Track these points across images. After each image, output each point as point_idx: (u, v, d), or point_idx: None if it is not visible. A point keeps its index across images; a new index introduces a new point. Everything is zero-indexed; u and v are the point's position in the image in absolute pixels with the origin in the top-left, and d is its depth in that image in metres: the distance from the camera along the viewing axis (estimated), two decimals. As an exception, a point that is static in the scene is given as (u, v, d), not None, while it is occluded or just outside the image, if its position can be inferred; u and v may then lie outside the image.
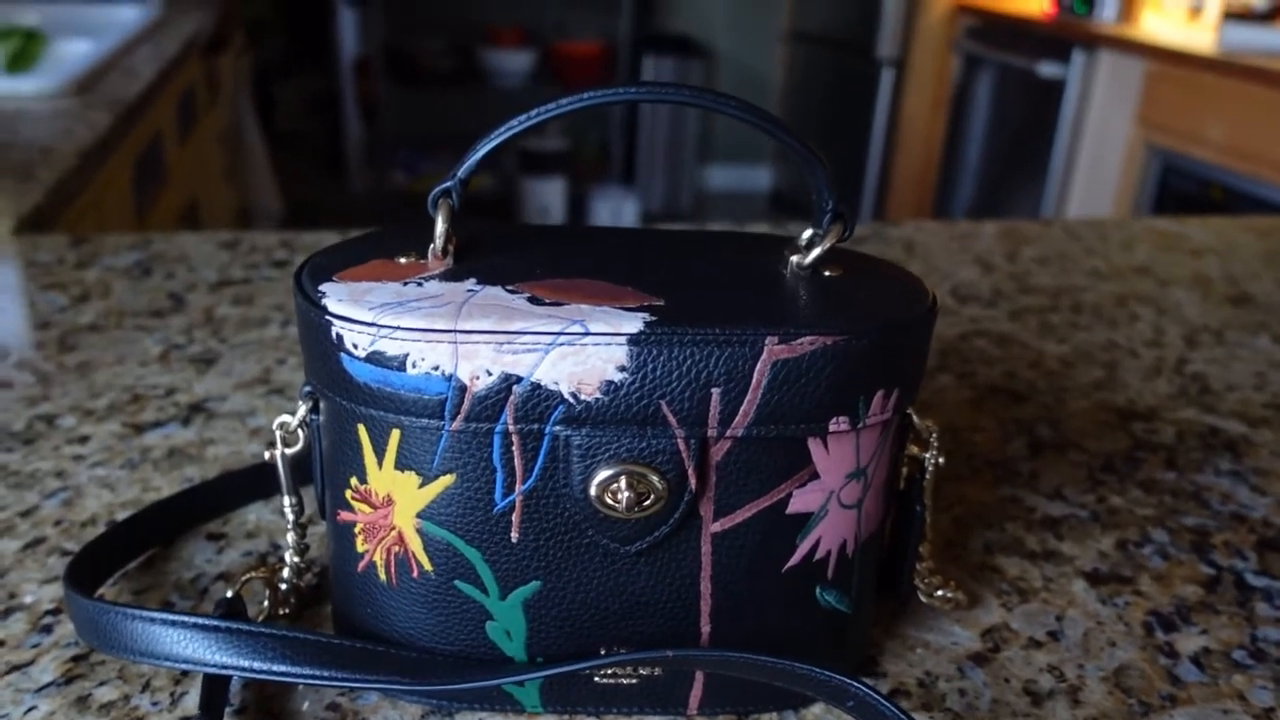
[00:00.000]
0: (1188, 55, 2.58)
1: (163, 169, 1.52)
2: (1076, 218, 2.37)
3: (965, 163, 3.50)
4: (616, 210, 3.90)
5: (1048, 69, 3.01)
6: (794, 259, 0.38)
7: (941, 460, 0.41)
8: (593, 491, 0.35)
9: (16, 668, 0.40)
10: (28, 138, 1.15)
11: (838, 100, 4.07)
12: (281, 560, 0.44)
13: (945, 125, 3.61)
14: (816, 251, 0.38)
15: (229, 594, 0.42)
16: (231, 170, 2.03)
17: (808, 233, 0.39)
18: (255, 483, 0.50)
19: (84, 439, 0.56)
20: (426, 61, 3.92)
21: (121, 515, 0.49)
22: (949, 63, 3.58)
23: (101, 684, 0.40)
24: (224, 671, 0.37)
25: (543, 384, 0.34)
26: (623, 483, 0.35)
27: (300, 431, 0.40)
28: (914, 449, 0.41)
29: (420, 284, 0.36)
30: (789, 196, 4.52)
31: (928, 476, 0.42)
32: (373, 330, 0.35)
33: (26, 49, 1.39)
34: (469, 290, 0.35)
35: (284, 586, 0.43)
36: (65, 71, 1.35)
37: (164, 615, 0.37)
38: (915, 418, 0.40)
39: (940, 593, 0.45)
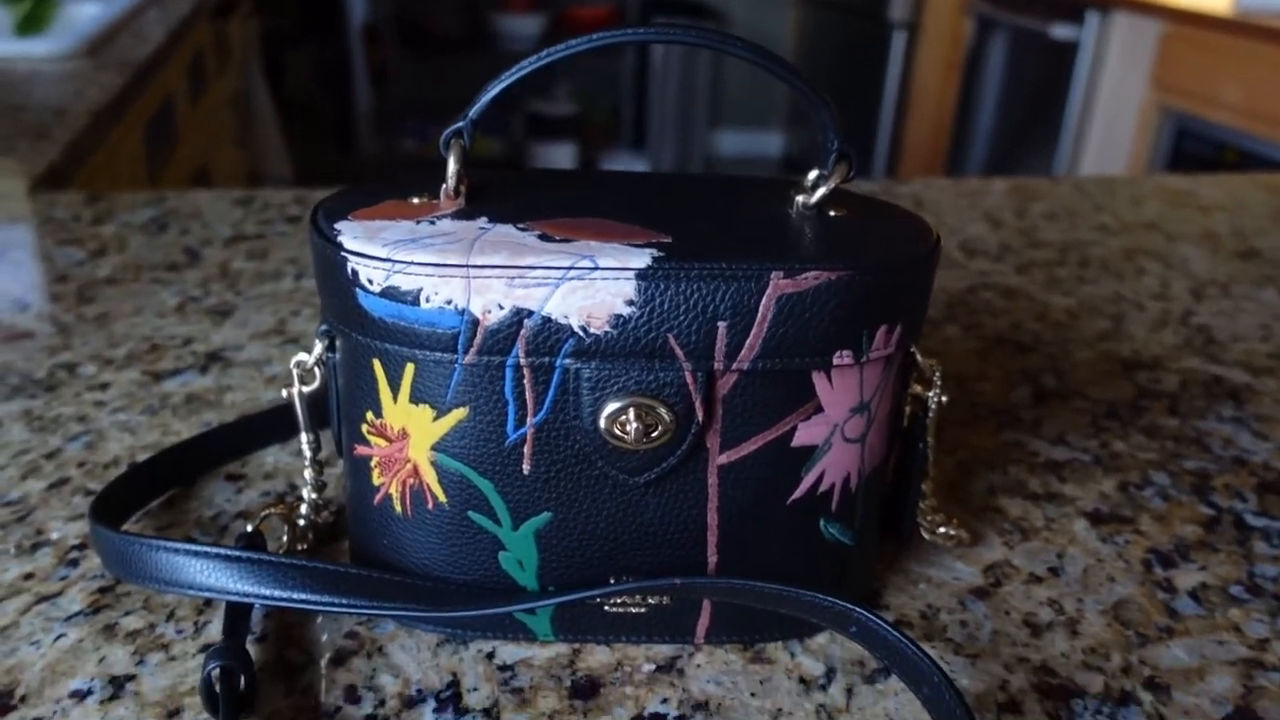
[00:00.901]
0: (1203, 16, 2.56)
1: (174, 132, 1.53)
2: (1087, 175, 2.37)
3: (978, 127, 3.48)
4: (627, 176, 3.89)
5: (1061, 31, 2.99)
6: (799, 199, 0.39)
7: (944, 399, 0.42)
8: (602, 424, 0.36)
9: (45, 598, 0.42)
10: (41, 99, 1.16)
11: (849, 64, 4.05)
12: (299, 498, 0.45)
13: (958, 88, 3.59)
14: (822, 191, 0.38)
15: (249, 529, 0.43)
16: (241, 136, 2.03)
17: (814, 173, 0.40)
18: (273, 426, 0.51)
19: (104, 386, 0.57)
20: (436, 27, 3.91)
21: (142, 457, 0.50)
22: (962, 25, 3.56)
23: (127, 613, 0.41)
24: (245, 599, 0.38)
25: (553, 317, 0.35)
26: (631, 415, 0.36)
27: (317, 370, 0.41)
28: (917, 387, 0.42)
29: (433, 222, 0.37)
30: (800, 161, 4.51)
31: (931, 414, 0.43)
32: (387, 265, 0.35)
33: (37, 11, 1.40)
34: (481, 228, 0.36)
35: (302, 523, 0.45)
36: (76, 34, 1.36)
37: (188, 546, 0.38)
38: (919, 356, 0.41)
39: (943, 530, 0.45)
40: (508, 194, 0.40)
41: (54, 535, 0.45)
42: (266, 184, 2.33)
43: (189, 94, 1.64)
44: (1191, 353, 0.65)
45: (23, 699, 0.37)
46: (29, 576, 0.43)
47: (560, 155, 3.76)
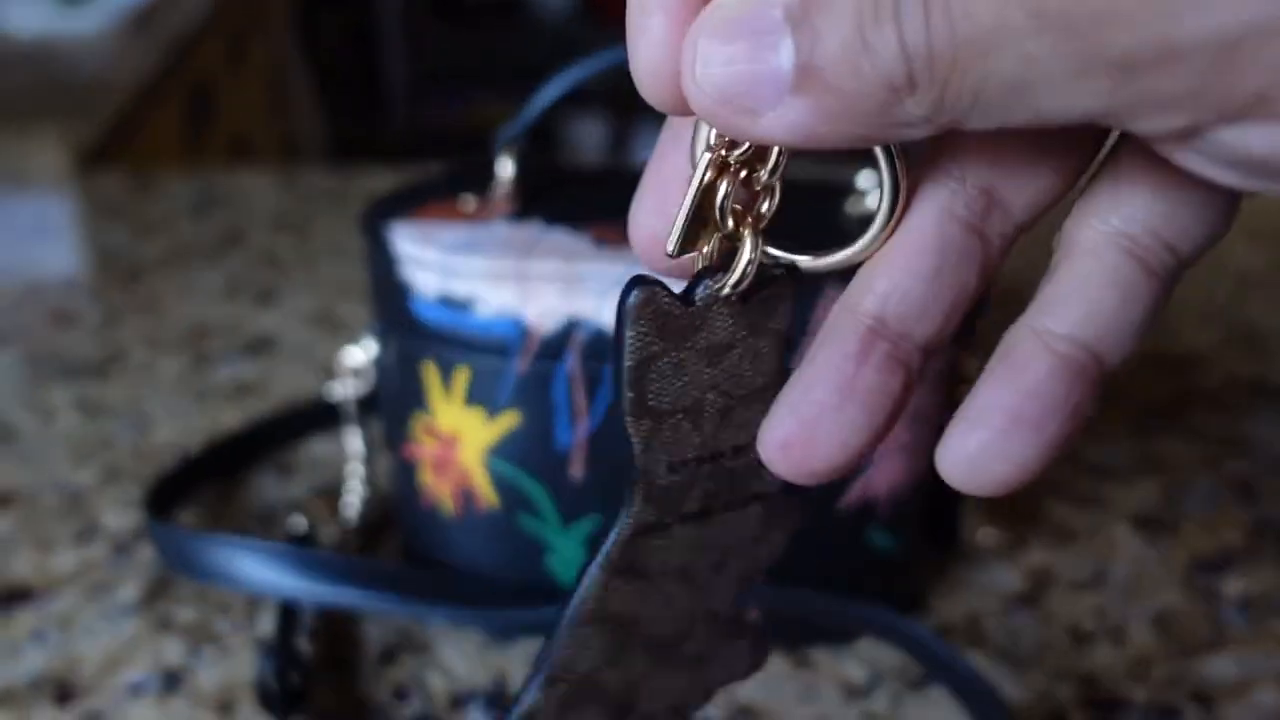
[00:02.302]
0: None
1: (213, 105, 1.53)
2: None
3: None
4: (658, 148, 3.86)
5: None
6: (851, 206, 0.39)
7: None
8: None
9: (101, 588, 0.42)
10: (84, 73, 1.17)
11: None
12: (349, 493, 0.46)
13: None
14: (873, 198, 0.38)
15: (300, 524, 0.44)
16: (278, 104, 2.04)
17: (863, 176, 0.39)
18: (322, 416, 0.51)
19: (154, 371, 0.58)
20: (468, -5, 3.88)
21: (193, 445, 0.50)
22: None
23: (181, 606, 0.42)
24: (296, 594, 0.39)
25: (607, 325, 0.35)
26: (682, 423, 0.36)
27: (368, 367, 0.42)
28: (965, 393, 0.42)
29: (487, 227, 0.37)
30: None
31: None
32: (441, 272, 0.36)
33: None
34: (535, 233, 0.36)
35: (351, 518, 0.45)
36: (118, 7, 1.36)
37: (240, 541, 0.39)
38: (966, 360, 0.41)
39: (986, 535, 0.46)
40: (561, 195, 0.40)
41: (108, 524, 0.46)
42: (303, 155, 2.34)
43: (228, 67, 1.64)
44: (1235, 350, 0.64)
45: (82, 691, 0.38)
46: (84, 566, 0.44)
47: (591, 129, 3.75)
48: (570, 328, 0.35)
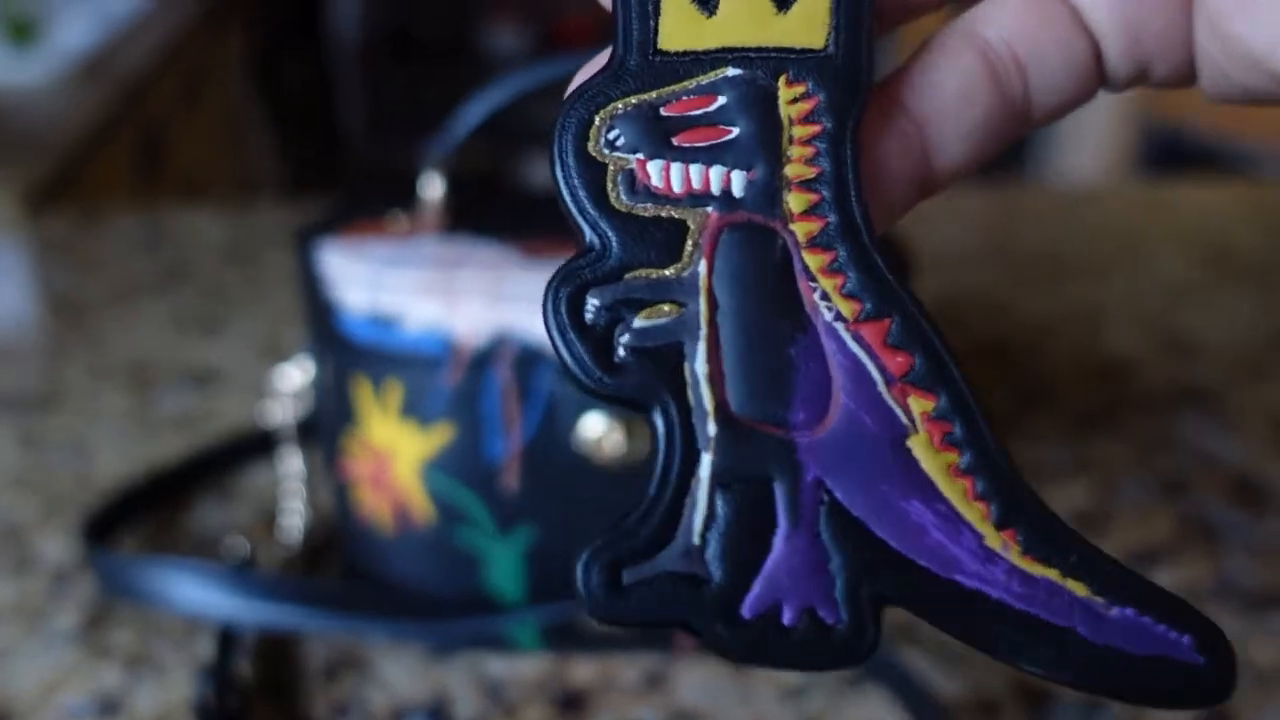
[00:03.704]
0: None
1: (165, 150, 1.53)
2: (1062, 178, 2.38)
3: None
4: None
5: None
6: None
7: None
8: (585, 441, 0.37)
9: (39, 618, 0.42)
10: (32, 118, 1.17)
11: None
12: (290, 515, 0.46)
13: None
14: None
15: (241, 547, 0.44)
16: (234, 150, 2.04)
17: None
18: (263, 444, 0.52)
19: (97, 403, 0.58)
20: (424, 37, 3.92)
21: (135, 475, 0.50)
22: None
23: (120, 633, 0.42)
24: (236, 616, 0.39)
25: (535, 337, 0.36)
26: (614, 433, 0.37)
27: (303, 389, 0.42)
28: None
29: (415, 243, 0.38)
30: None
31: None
32: (370, 287, 0.36)
33: (19, 19, 1.39)
34: (463, 248, 0.37)
35: (292, 540, 0.45)
36: (68, 53, 1.37)
37: (179, 564, 0.39)
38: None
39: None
40: (489, 212, 0.41)
41: (46, 555, 0.46)
42: (259, 196, 2.34)
43: (181, 110, 1.65)
44: (1165, 356, 0.66)
45: (19, 718, 0.38)
46: (21, 597, 0.44)
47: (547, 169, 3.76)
48: (499, 339, 0.36)
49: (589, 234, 0.16)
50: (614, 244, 0.16)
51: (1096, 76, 0.19)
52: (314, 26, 3.45)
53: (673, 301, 0.16)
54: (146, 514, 0.48)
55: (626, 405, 0.16)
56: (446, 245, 0.37)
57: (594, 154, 0.16)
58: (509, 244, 0.38)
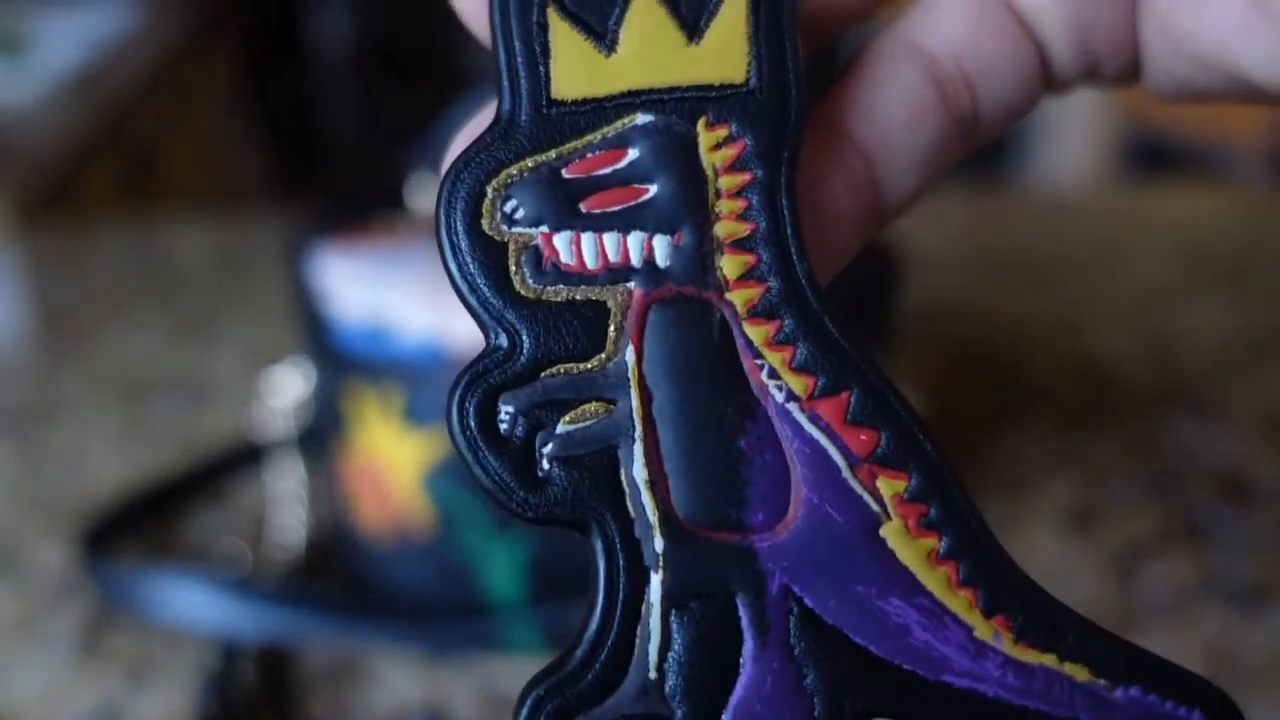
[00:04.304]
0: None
1: (153, 168, 1.54)
2: (1043, 182, 2.40)
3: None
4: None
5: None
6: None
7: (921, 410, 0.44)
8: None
9: (38, 630, 0.43)
10: (20, 135, 1.17)
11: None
12: (289, 524, 0.46)
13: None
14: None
15: (239, 557, 0.44)
16: (221, 167, 2.05)
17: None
18: (260, 452, 0.52)
19: (93, 416, 0.58)
20: (413, 55, 3.92)
21: (132, 486, 0.51)
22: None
23: (119, 644, 0.42)
24: (236, 626, 0.39)
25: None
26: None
27: (301, 398, 0.42)
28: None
29: (407, 251, 0.38)
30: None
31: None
32: (363, 297, 0.37)
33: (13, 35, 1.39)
34: (457, 258, 0.38)
35: (290, 548, 0.46)
36: (55, 72, 1.37)
37: (178, 574, 0.40)
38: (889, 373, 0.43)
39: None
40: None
41: (44, 568, 0.46)
42: (249, 211, 2.34)
43: (168, 128, 1.65)
44: (1148, 356, 0.67)
45: (21, 728, 0.38)
46: (20, 608, 0.44)
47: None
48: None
49: (494, 329, 0.14)
50: (524, 338, 0.14)
51: (1042, 81, 0.17)
52: (300, 41, 3.46)
53: (600, 399, 0.14)
54: (144, 524, 0.48)
55: (556, 523, 0.14)
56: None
57: (490, 232, 0.14)
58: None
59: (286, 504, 0.46)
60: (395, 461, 0.39)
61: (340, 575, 0.44)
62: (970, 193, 1.04)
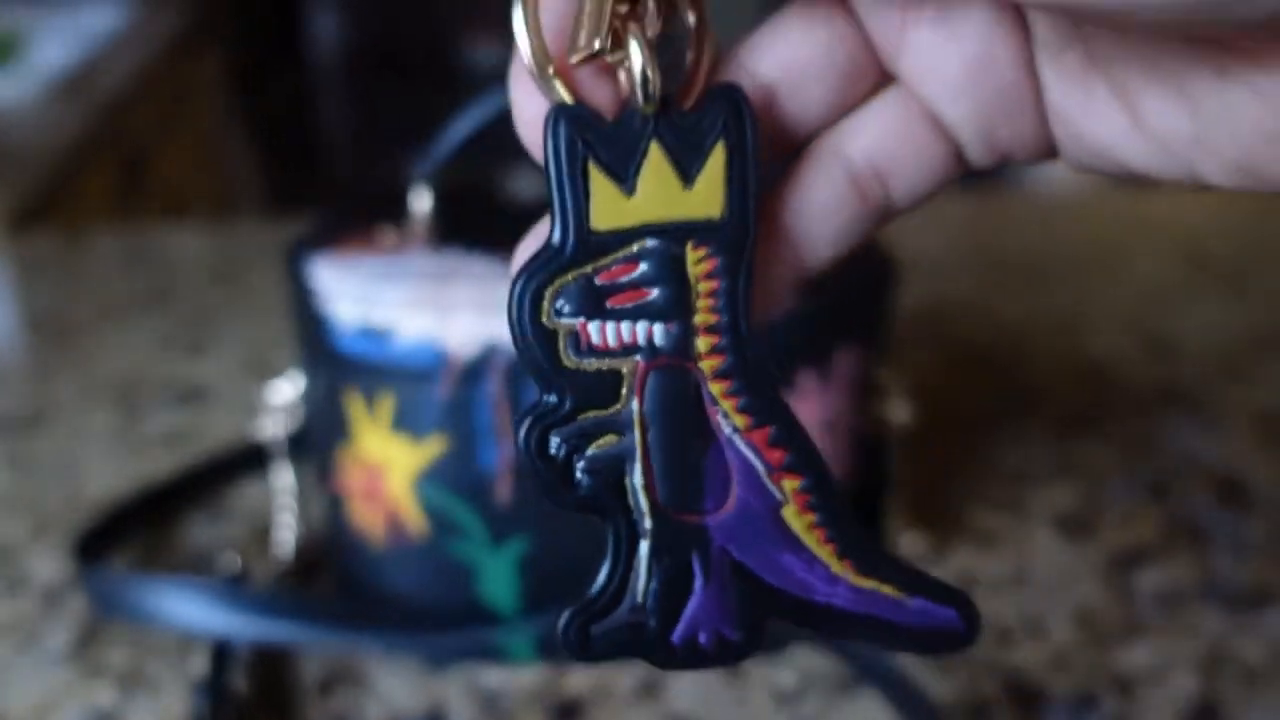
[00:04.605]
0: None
1: (146, 169, 1.53)
2: (1040, 184, 2.40)
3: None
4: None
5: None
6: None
7: (908, 414, 0.44)
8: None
9: (30, 639, 0.42)
10: (13, 139, 1.16)
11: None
12: (281, 530, 0.46)
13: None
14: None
15: (233, 563, 0.44)
16: (215, 169, 2.04)
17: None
18: (253, 458, 0.52)
19: (85, 423, 0.58)
20: (407, 55, 3.92)
21: (125, 494, 0.50)
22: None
23: (112, 652, 0.42)
24: (230, 632, 0.39)
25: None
26: (603, 440, 0.37)
27: (295, 403, 0.42)
28: (882, 404, 0.43)
29: (405, 257, 0.38)
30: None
31: (896, 430, 0.44)
32: (361, 302, 0.36)
33: (10, 38, 1.39)
34: (453, 261, 0.37)
35: (284, 555, 0.45)
36: (47, 73, 1.36)
37: (171, 581, 0.39)
38: (882, 373, 0.42)
39: (911, 541, 0.47)
40: (478, 225, 0.41)
41: (37, 575, 0.46)
42: (242, 213, 2.34)
43: (161, 130, 1.64)
44: (1147, 358, 0.66)
45: (12, 738, 0.38)
46: (13, 617, 0.43)
47: (533, 181, 3.77)
48: (490, 351, 0.36)
49: (547, 388, 0.20)
50: (569, 395, 0.20)
51: (959, 166, 0.21)
52: (294, 43, 3.45)
53: (615, 433, 0.20)
54: (137, 531, 0.48)
55: (585, 510, 0.20)
56: (436, 258, 0.38)
57: (547, 324, 0.20)
58: (498, 256, 0.38)
59: (280, 508, 0.46)
60: (388, 466, 0.38)
61: (333, 581, 0.44)
62: (970, 194, 1.04)
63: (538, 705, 0.39)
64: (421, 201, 0.39)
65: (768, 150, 0.21)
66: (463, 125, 0.39)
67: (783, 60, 0.21)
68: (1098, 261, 0.83)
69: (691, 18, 0.20)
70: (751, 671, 0.41)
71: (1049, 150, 0.21)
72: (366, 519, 0.40)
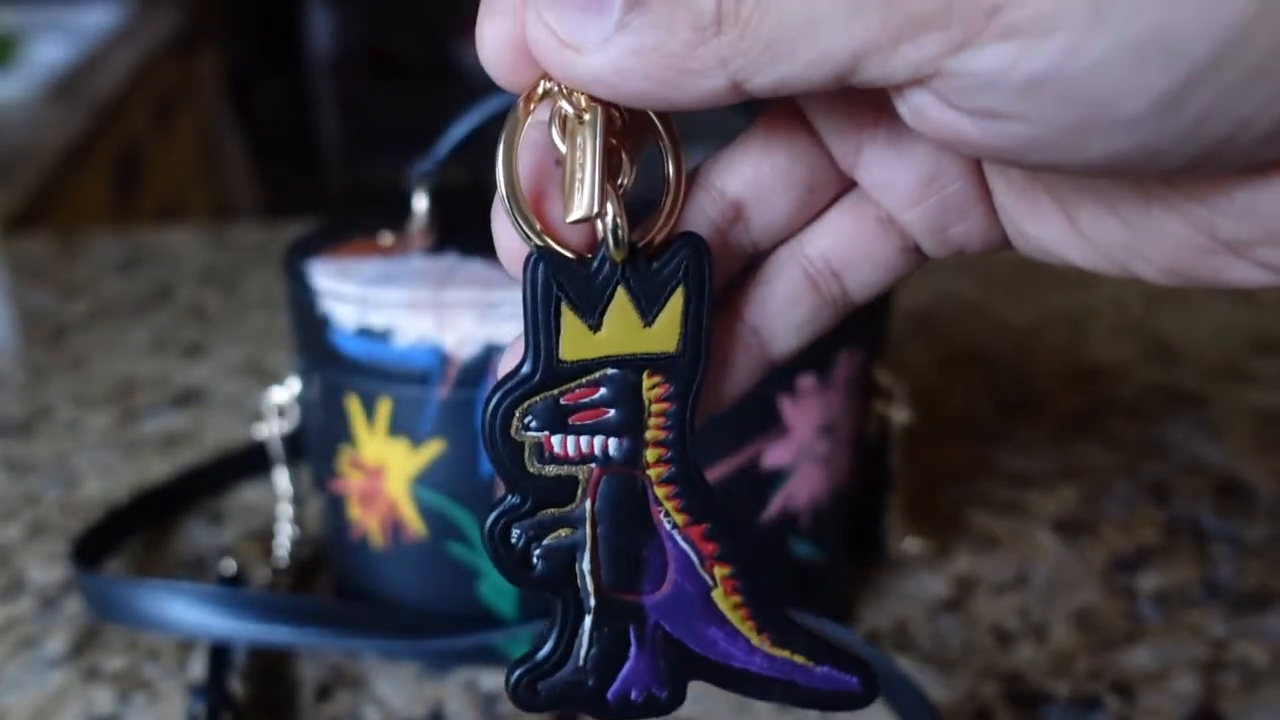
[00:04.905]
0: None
1: (141, 169, 1.53)
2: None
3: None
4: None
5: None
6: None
7: (909, 416, 0.43)
8: (575, 452, 0.37)
9: (27, 643, 0.42)
10: (6, 141, 1.16)
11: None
12: (279, 534, 0.46)
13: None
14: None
15: (230, 566, 0.44)
16: (209, 170, 2.04)
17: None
18: (250, 462, 0.51)
19: (80, 426, 0.57)
20: (400, 56, 3.91)
21: (121, 497, 0.50)
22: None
23: (110, 655, 0.41)
24: (228, 635, 0.38)
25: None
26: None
27: (293, 407, 0.42)
28: (882, 406, 0.43)
29: (403, 260, 0.38)
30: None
31: (897, 432, 0.44)
32: (359, 305, 0.36)
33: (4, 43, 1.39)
34: (451, 264, 0.37)
35: (282, 558, 0.45)
36: (41, 74, 1.36)
37: (169, 584, 0.39)
38: (882, 375, 0.42)
39: (911, 544, 0.47)
40: (477, 228, 0.40)
41: (34, 579, 0.46)
42: (236, 216, 2.33)
43: (156, 130, 1.64)
44: (1149, 361, 0.66)
45: (9, 743, 0.37)
46: (10, 621, 0.43)
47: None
48: (489, 353, 0.36)
49: (513, 490, 0.23)
50: (531, 496, 0.23)
51: (916, 259, 0.23)
52: (289, 45, 3.44)
53: (569, 527, 0.23)
54: (134, 535, 0.47)
55: (539, 589, 0.23)
56: (434, 261, 0.37)
57: (515, 436, 0.22)
58: (496, 260, 0.38)
59: (278, 511, 0.46)
60: (386, 468, 0.38)
61: (331, 583, 0.44)
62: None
63: (537, 709, 0.39)
64: (419, 205, 0.39)
65: (736, 258, 0.23)
66: (461, 128, 0.39)
67: (747, 177, 0.23)
68: (1095, 263, 0.83)
69: (671, 169, 0.22)
70: (752, 675, 0.41)
71: (1002, 243, 0.23)
72: (365, 521, 0.40)
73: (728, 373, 0.23)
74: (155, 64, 1.62)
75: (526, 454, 0.22)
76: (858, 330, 0.38)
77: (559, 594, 0.23)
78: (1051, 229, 0.22)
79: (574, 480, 0.23)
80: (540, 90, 0.21)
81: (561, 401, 0.22)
